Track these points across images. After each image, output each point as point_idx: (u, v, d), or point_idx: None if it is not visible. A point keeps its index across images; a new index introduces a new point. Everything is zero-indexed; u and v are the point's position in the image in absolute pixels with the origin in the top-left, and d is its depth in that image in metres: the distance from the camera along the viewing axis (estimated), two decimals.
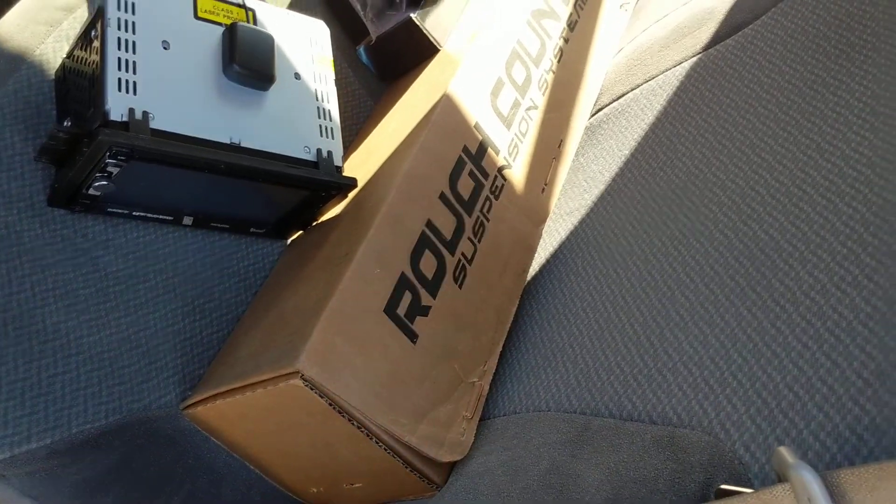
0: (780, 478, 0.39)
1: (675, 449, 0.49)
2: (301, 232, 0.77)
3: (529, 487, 0.54)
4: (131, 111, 0.60)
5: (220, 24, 0.68)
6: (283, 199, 0.71)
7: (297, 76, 0.72)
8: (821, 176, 0.57)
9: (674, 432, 0.50)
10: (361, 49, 0.88)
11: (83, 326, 0.64)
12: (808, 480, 0.36)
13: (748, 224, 0.59)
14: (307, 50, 0.73)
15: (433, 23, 0.85)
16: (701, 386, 0.51)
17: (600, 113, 0.85)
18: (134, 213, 0.68)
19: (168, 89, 0.63)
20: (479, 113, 0.75)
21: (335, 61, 0.77)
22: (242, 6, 0.70)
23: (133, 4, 0.63)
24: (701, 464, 0.47)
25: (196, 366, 0.68)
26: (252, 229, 0.74)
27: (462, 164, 0.71)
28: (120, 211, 0.67)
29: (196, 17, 0.67)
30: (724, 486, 0.42)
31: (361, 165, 0.76)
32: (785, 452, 0.38)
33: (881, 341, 0.45)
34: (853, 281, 0.49)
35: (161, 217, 0.69)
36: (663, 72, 0.80)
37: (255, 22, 0.71)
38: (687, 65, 0.78)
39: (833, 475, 0.36)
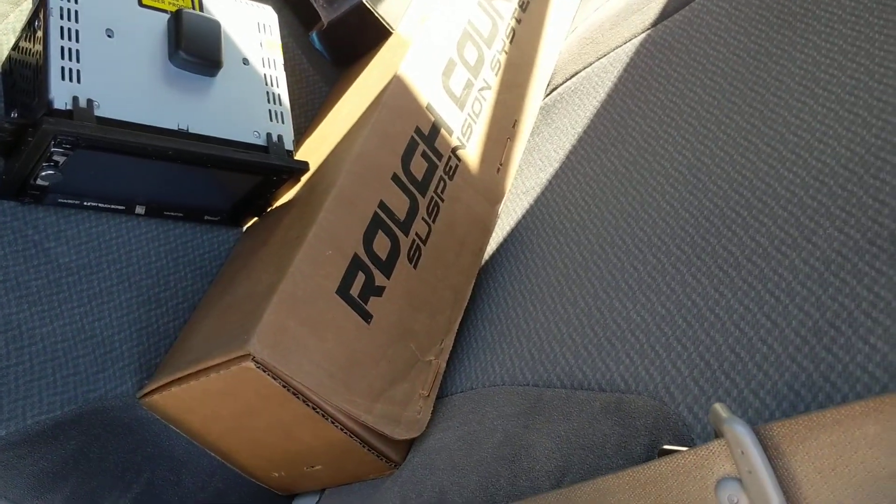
0: (717, 434, 0.39)
1: (623, 414, 0.49)
2: (256, 219, 0.77)
3: (484, 460, 0.55)
4: (75, 99, 0.59)
5: (165, 11, 0.68)
6: (236, 185, 0.71)
7: (246, 62, 0.71)
8: (763, 143, 0.58)
9: (621, 398, 0.50)
10: (314, 35, 0.87)
11: (35, 318, 0.63)
12: (741, 434, 0.36)
13: (694, 194, 0.60)
14: (255, 35, 0.73)
15: (385, 7, 0.85)
16: (647, 352, 0.52)
17: (554, 93, 0.86)
18: (85, 204, 0.68)
19: (113, 77, 0.62)
20: (430, 94, 0.75)
21: (288, 48, 0.77)
22: None
23: None
24: (646, 427, 0.47)
25: (153, 355, 0.68)
26: (206, 217, 0.74)
27: (414, 144, 0.71)
28: (71, 201, 0.67)
29: (141, 4, 0.67)
30: (665, 447, 0.43)
31: (315, 150, 0.76)
32: (720, 408, 0.38)
33: (818, 300, 0.45)
34: (793, 243, 0.50)
35: (113, 207, 0.69)
36: (614, 49, 0.81)
37: (200, 9, 0.70)
38: (637, 41, 0.79)
39: (765, 428, 0.37)
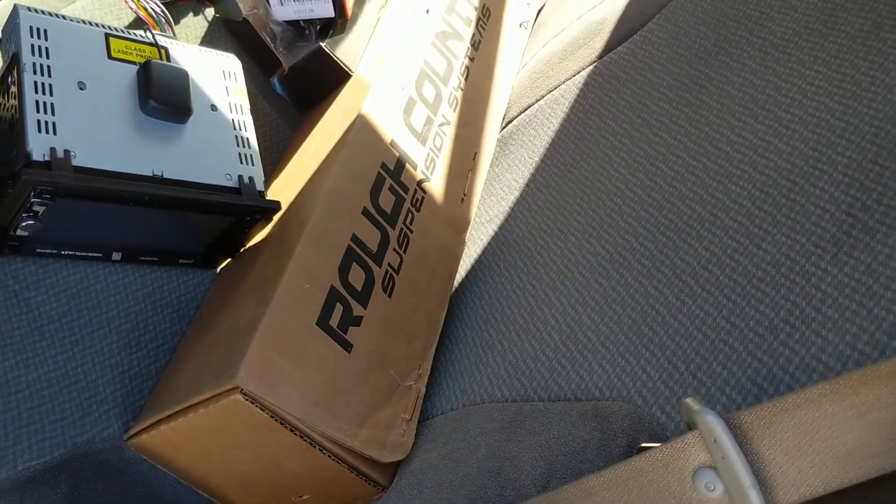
0: (689, 426, 0.42)
1: (600, 420, 0.52)
2: (229, 260, 0.79)
3: (469, 475, 0.57)
4: (52, 150, 0.61)
5: (134, 62, 0.70)
6: (209, 227, 0.73)
7: (214, 108, 0.74)
8: (710, 161, 0.62)
9: (597, 405, 0.54)
10: (275, 80, 0.90)
11: (20, 366, 0.65)
12: (712, 423, 0.39)
13: (649, 212, 0.64)
14: (221, 83, 0.76)
15: (343, 50, 0.88)
16: (618, 360, 0.55)
17: (510, 125, 0.90)
18: (63, 252, 0.69)
19: (87, 128, 0.64)
20: (393, 131, 0.78)
21: (251, 95, 0.79)
22: (155, 45, 0.72)
23: (47, 49, 0.65)
24: (623, 429, 0.51)
25: (136, 397, 0.69)
26: (181, 260, 0.76)
27: (382, 179, 0.74)
28: (49, 251, 0.68)
29: (110, 57, 0.69)
30: (643, 445, 0.46)
31: (284, 189, 0.79)
32: (691, 402, 0.41)
33: (772, 300, 0.49)
34: (744, 251, 0.54)
35: (90, 254, 0.71)
36: (564, 81, 0.85)
37: (168, 59, 0.73)
38: (585, 73, 0.83)
39: (734, 417, 0.40)
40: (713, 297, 0.53)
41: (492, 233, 0.79)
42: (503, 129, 0.91)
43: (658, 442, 0.48)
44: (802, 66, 0.61)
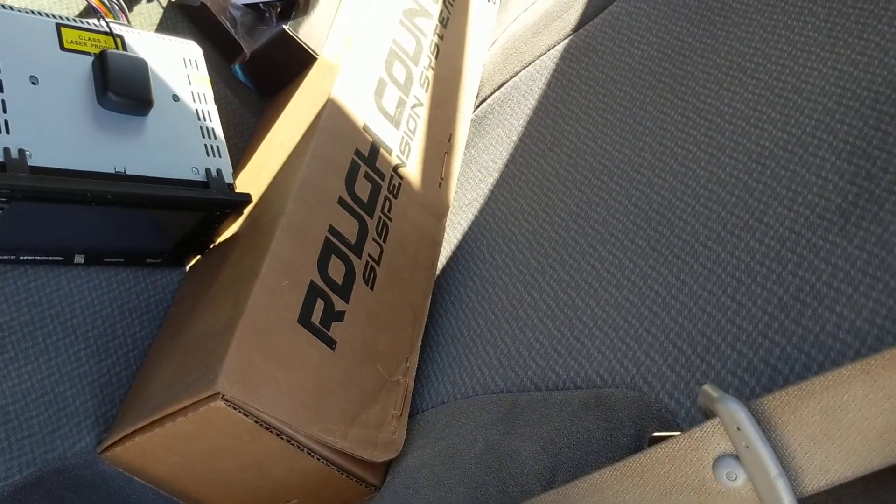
0: (707, 414, 0.40)
1: (604, 408, 0.50)
2: (199, 257, 0.75)
3: (468, 471, 0.55)
4: (6, 151, 0.57)
5: (88, 53, 0.66)
6: (177, 224, 0.69)
7: (176, 98, 0.70)
8: (700, 134, 0.60)
9: (599, 393, 0.51)
10: (237, 67, 0.86)
11: None
12: (735, 410, 0.37)
13: (640, 189, 0.61)
14: (182, 71, 0.72)
15: (306, 32, 0.84)
16: (618, 345, 0.53)
17: (484, 104, 0.87)
18: (21, 258, 0.65)
19: (43, 125, 0.60)
20: (365, 115, 0.75)
21: (212, 83, 0.75)
22: (109, 33, 0.68)
23: None
24: (630, 418, 0.48)
25: (108, 407, 0.66)
26: (148, 260, 0.72)
27: (356, 167, 0.71)
28: (6, 257, 0.64)
29: (62, 48, 0.65)
30: (656, 434, 0.44)
31: (253, 181, 0.75)
32: (710, 389, 0.39)
33: (779, 277, 0.47)
34: (745, 225, 0.52)
35: (51, 258, 0.67)
36: (539, 56, 0.83)
37: (124, 48, 0.69)
38: (560, 47, 0.81)
39: (757, 403, 0.38)
40: (715, 275, 0.51)
41: (472, 217, 0.77)
42: (477, 108, 0.88)
43: (668, 429, 0.46)
44: (791, 31, 0.59)
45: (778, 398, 0.37)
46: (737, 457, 0.38)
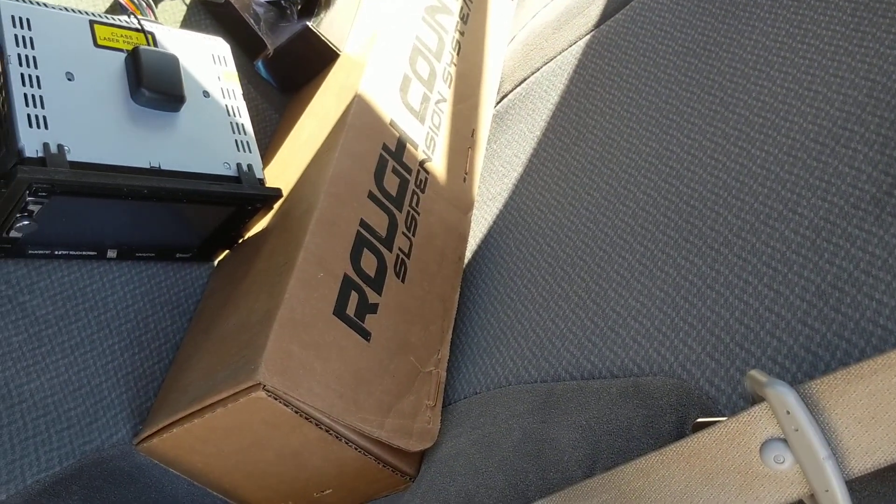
0: (754, 399, 0.41)
1: (643, 396, 0.51)
2: (227, 252, 0.76)
3: (506, 459, 0.55)
4: (46, 146, 0.58)
5: (121, 50, 0.67)
6: (208, 218, 0.70)
7: (206, 94, 0.71)
8: (729, 127, 0.61)
9: (637, 381, 0.52)
10: (260, 63, 0.87)
11: (21, 374, 0.61)
12: (785, 394, 0.38)
13: (669, 182, 0.62)
14: (212, 68, 0.73)
15: (329, 28, 0.85)
16: (654, 335, 0.54)
17: (505, 100, 0.88)
18: (56, 253, 0.66)
19: (79, 120, 0.61)
20: (392, 110, 0.76)
21: None
22: (141, 30, 0.69)
23: (31, 39, 0.61)
24: (671, 405, 0.49)
25: (143, 399, 0.66)
26: (178, 255, 0.73)
27: (384, 161, 0.72)
28: (42, 252, 0.65)
29: (96, 45, 0.66)
30: (700, 420, 0.45)
31: (280, 176, 0.76)
32: (757, 374, 0.40)
33: (816, 265, 0.48)
34: (779, 216, 0.53)
35: (84, 253, 0.67)
36: (560, 52, 0.84)
37: (155, 45, 0.69)
38: (582, 43, 0.82)
39: (804, 387, 0.39)
40: (750, 264, 0.52)
41: (496, 211, 0.78)
42: (498, 103, 0.89)
43: (710, 416, 0.47)
44: (817, 25, 0.60)
45: (826, 382, 0.38)
46: (784, 440, 0.39)
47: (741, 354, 0.48)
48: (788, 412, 0.38)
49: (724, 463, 0.41)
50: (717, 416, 0.46)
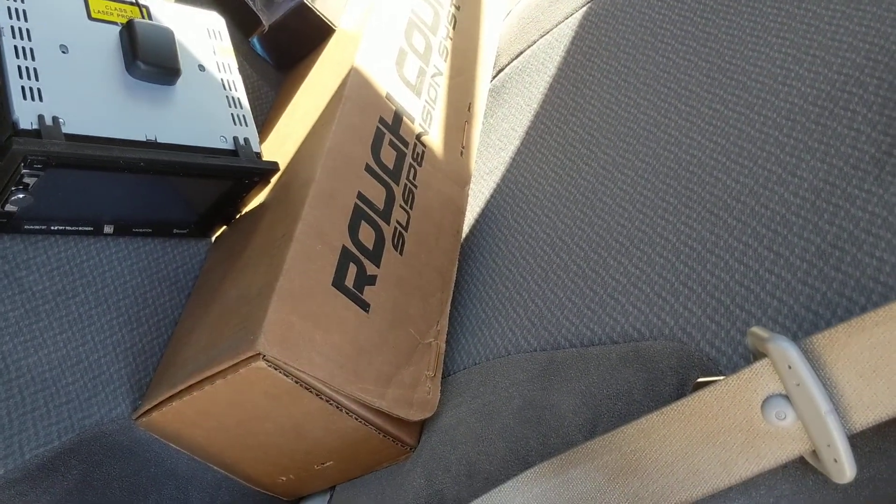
0: (756, 356, 0.41)
1: (643, 360, 0.51)
2: (225, 227, 0.76)
3: (507, 426, 0.55)
4: (41, 118, 0.57)
5: (115, 23, 0.66)
6: (205, 193, 0.69)
7: (202, 68, 0.70)
8: (726, 93, 0.61)
9: (637, 346, 0.52)
10: (255, 40, 0.87)
11: (19, 349, 0.61)
12: (787, 348, 0.38)
13: (667, 149, 0.62)
14: (207, 41, 0.72)
15: (323, 3, 0.85)
16: (654, 300, 0.54)
17: (501, 73, 0.88)
18: (52, 228, 0.65)
19: (74, 93, 0.61)
20: (388, 84, 0.75)
21: None
22: (136, 3, 0.68)
23: (24, 11, 0.61)
24: (671, 368, 0.49)
25: (142, 374, 0.66)
26: (175, 230, 0.73)
27: (381, 134, 0.72)
28: (37, 227, 0.65)
29: (90, 18, 0.65)
30: (701, 379, 0.45)
31: (277, 151, 0.76)
32: (759, 330, 0.40)
33: (815, 226, 0.48)
34: (778, 179, 0.52)
35: (81, 229, 0.67)
36: (556, 25, 0.83)
37: (150, 18, 0.69)
38: (578, 15, 0.81)
39: (806, 342, 0.39)
40: (750, 227, 0.52)
41: (493, 185, 0.77)
42: (494, 77, 0.88)
43: (711, 377, 0.47)
44: None
45: (827, 336, 0.38)
46: (786, 396, 0.39)
47: (742, 316, 0.48)
48: (790, 367, 0.38)
49: (725, 421, 0.41)
50: (718, 377, 0.46)
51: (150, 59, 0.65)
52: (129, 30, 0.65)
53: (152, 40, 0.66)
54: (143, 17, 0.68)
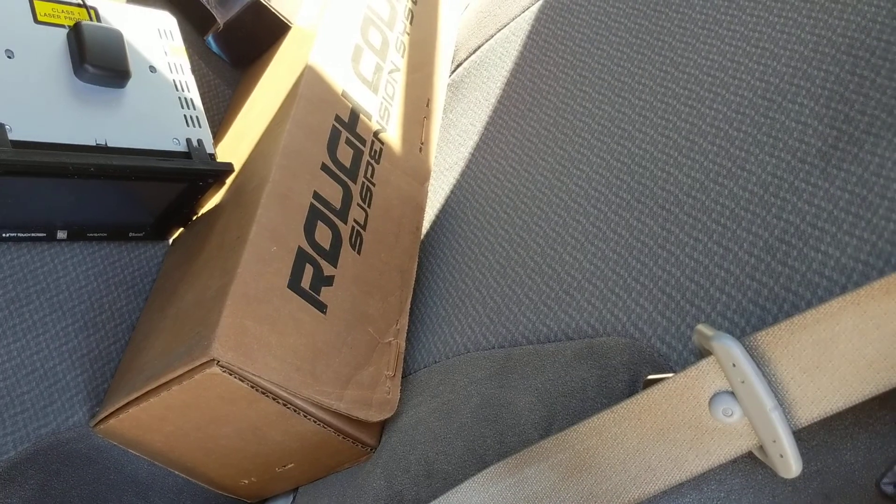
0: (702, 353, 0.41)
1: (596, 356, 0.51)
2: (182, 229, 0.75)
3: (465, 425, 0.55)
4: None
5: (62, 26, 0.65)
6: (160, 196, 0.69)
7: (153, 69, 0.69)
8: (679, 87, 0.61)
9: (591, 342, 0.52)
10: (210, 38, 0.86)
11: None
12: (730, 346, 0.38)
13: (621, 143, 0.62)
14: (158, 42, 0.71)
15: (279, 0, 0.84)
16: (608, 296, 0.54)
17: (460, 68, 0.87)
18: (3, 235, 0.64)
19: (21, 98, 0.60)
20: (344, 81, 0.75)
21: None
22: (83, 5, 0.67)
23: None
24: (623, 364, 0.49)
25: (99, 381, 0.66)
26: (131, 234, 0.72)
27: (337, 133, 0.71)
28: None
29: (36, 21, 0.64)
30: (650, 377, 0.45)
31: (233, 151, 0.75)
32: (704, 328, 0.40)
33: (763, 220, 0.48)
34: (727, 174, 0.53)
35: (33, 235, 0.66)
36: (513, 18, 0.83)
37: (98, 20, 0.68)
38: (535, 8, 0.81)
39: (750, 339, 0.39)
40: (700, 222, 0.52)
41: (453, 181, 0.77)
42: (453, 72, 0.88)
43: (662, 373, 0.48)
44: None
45: (771, 333, 0.38)
46: (732, 393, 0.40)
47: (691, 311, 0.48)
48: (734, 365, 0.39)
49: (674, 418, 0.41)
50: (669, 373, 0.46)
51: (98, 62, 0.64)
52: (76, 33, 0.64)
53: (100, 43, 0.65)
54: (91, 19, 0.67)
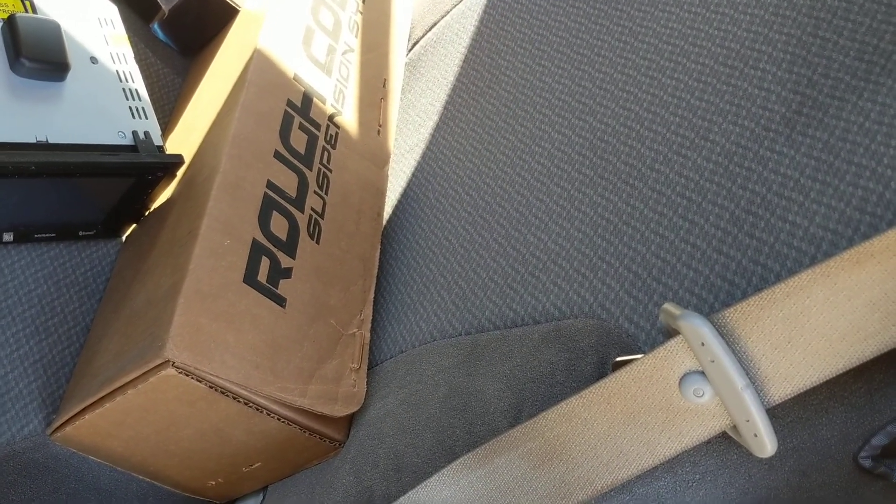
0: (670, 333, 0.40)
1: (564, 339, 0.50)
2: (135, 225, 0.72)
3: (433, 416, 0.54)
4: None
5: None
6: (108, 191, 0.66)
7: (94, 60, 0.66)
8: (639, 57, 0.59)
9: (559, 325, 0.51)
10: (156, 26, 0.82)
11: None
12: (698, 325, 0.37)
13: (582, 118, 0.60)
14: (98, 31, 0.68)
15: None
16: (574, 276, 0.52)
17: (417, 46, 0.85)
18: None
19: None
20: (295, 64, 0.72)
21: (131, 44, 0.72)
22: None
23: None
24: (591, 346, 0.48)
25: (54, 387, 0.63)
26: (81, 232, 0.69)
27: (290, 118, 0.69)
28: None
29: None
30: (619, 359, 0.43)
31: (184, 142, 0.72)
32: (671, 307, 0.39)
33: (729, 192, 0.47)
34: (691, 145, 0.51)
35: None
36: None
37: (34, 11, 0.65)
38: None
39: (718, 316, 0.37)
40: (665, 196, 0.50)
41: (415, 163, 0.75)
42: (410, 51, 0.85)
43: (630, 354, 0.46)
44: None
45: (740, 310, 0.37)
46: (702, 373, 0.38)
47: (658, 289, 0.47)
48: (703, 343, 0.37)
49: (644, 401, 0.40)
50: (637, 354, 0.44)
51: (35, 55, 0.61)
52: (10, 25, 0.61)
53: (37, 35, 0.62)
54: (26, 11, 0.64)
